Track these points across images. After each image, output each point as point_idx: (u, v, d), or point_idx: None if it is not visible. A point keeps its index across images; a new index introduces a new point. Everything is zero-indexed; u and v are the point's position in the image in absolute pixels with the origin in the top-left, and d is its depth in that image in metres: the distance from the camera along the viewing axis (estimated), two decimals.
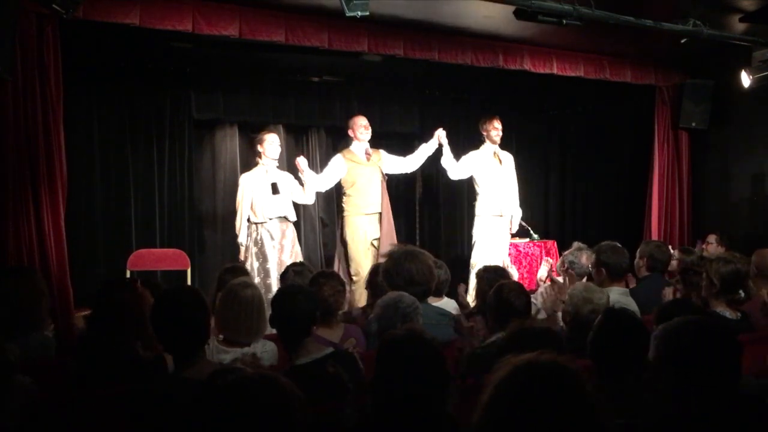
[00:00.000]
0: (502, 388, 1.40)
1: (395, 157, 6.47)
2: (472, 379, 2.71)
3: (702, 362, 1.75)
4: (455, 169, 6.47)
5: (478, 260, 6.41)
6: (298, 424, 1.47)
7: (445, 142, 6.34)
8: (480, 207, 6.55)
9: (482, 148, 6.58)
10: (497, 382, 1.41)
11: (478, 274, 4.21)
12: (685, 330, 1.82)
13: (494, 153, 6.55)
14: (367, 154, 6.20)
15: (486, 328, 3.36)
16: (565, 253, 4.87)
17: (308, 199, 6.09)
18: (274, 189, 5.88)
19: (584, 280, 4.70)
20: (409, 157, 6.50)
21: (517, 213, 6.73)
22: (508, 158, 6.71)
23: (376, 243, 6.18)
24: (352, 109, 7.07)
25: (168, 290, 2.71)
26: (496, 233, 6.52)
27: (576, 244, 4.92)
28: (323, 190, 6.35)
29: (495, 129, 6.49)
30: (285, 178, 6.05)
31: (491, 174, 6.51)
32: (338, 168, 6.17)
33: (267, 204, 5.83)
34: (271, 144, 5.93)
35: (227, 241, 7.10)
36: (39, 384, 2.55)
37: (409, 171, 6.63)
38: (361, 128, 6.17)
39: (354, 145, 6.23)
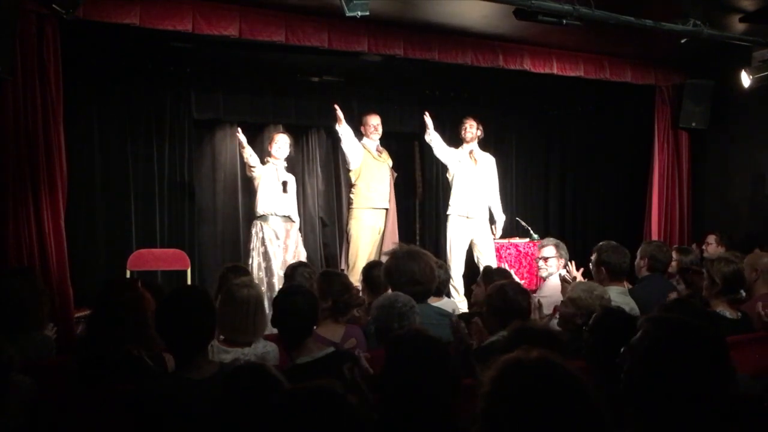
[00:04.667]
0: (493, 387, 1.41)
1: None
2: (470, 379, 2.71)
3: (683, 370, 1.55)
4: (436, 139, 6.53)
5: (453, 262, 6.39)
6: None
7: (429, 122, 6.44)
8: (450, 207, 6.57)
9: (461, 147, 6.60)
10: (489, 381, 1.42)
11: (485, 273, 4.25)
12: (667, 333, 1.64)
13: (470, 153, 6.53)
14: (378, 150, 6.39)
15: (485, 330, 3.35)
16: (553, 253, 4.92)
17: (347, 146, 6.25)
18: (284, 187, 6.02)
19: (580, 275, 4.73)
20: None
21: (500, 217, 6.67)
22: (487, 161, 6.66)
23: (376, 238, 6.28)
24: (352, 109, 7.08)
25: (176, 290, 2.70)
26: (467, 234, 6.47)
27: (551, 240, 5.11)
28: (350, 146, 6.28)
29: (464, 127, 6.52)
30: (291, 180, 6.19)
31: (463, 174, 6.50)
32: (360, 148, 6.29)
33: (275, 200, 5.96)
34: (279, 146, 6.09)
35: (227, 240, 7.12)
36: (39, 384, 2.54)
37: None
38: (372, 128, 6.36)
39: (365, 141, 6.38)
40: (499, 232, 6.71)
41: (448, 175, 6.65)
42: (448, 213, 6.58)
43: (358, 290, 3.62)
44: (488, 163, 6.67)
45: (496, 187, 6.72)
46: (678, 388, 1.53)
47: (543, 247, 5.08)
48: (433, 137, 6.51)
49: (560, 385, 1.38)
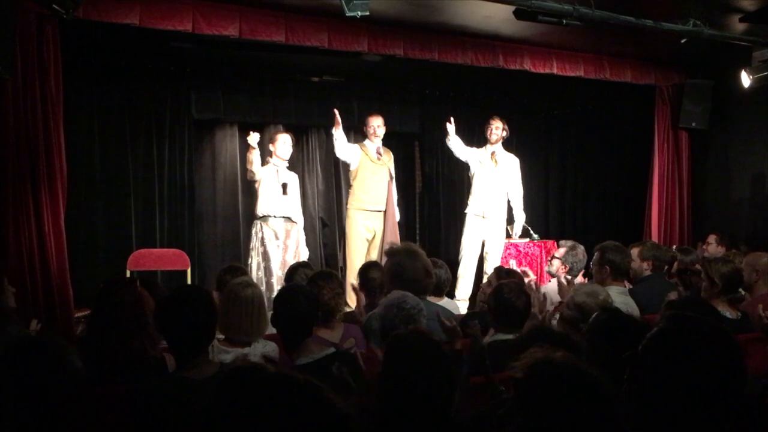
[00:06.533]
0: (524, 387, 1.44)
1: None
2: (477, 378, 2.71)
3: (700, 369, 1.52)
4: (456, 143, 6.58)
5: (463, 260, 6.50)
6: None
7: (450, 129, 6.51)
8: (468, 206, 6.64)
9: (484, 147, 6.64)
10: (520, 379, 1.45)
11: (497, 273, 4.30)
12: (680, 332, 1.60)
13: (492, 154, 6.58)
14: (378, 153, 6.39)
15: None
16: (560, 254, 4.92)
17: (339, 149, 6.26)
18: (284, 189, 6.02)
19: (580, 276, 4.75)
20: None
21: (520, 218, 6.76)
22: (509, 162, 6.71)
23: (369, 239, 6.31)
24: (352, 109, 7.08)
25: (177, 290, 2.71)
26: (480, 234, 6.54)
27: (569, 243, 5.04)
28: (342, 151, 6.31)
29: (490, 128, 6.58)
30: (293, 180, 6.18)
31: (483, 175, 6.56)
32: (355, 150, 6.32)
33: (276, 201, 5.96)
34: (283, 144, 6.09)
35: (227, 240, 7.12)
36: None
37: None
38: (372, 129, 6.36)
39: (367, 142, 6.40)
40: (517, 231, 6.78)
41: (470, 173, 6.71)
42: (465, 212, 6.65)
43: (339, 293, 3.58)
44: (511, 163, 6.71)
45: (518, 187, 6.77)
46: (689, 388, 1.52)
47: (560, 246, 5.16)
48: (453, 142, 6.56)
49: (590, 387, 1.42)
